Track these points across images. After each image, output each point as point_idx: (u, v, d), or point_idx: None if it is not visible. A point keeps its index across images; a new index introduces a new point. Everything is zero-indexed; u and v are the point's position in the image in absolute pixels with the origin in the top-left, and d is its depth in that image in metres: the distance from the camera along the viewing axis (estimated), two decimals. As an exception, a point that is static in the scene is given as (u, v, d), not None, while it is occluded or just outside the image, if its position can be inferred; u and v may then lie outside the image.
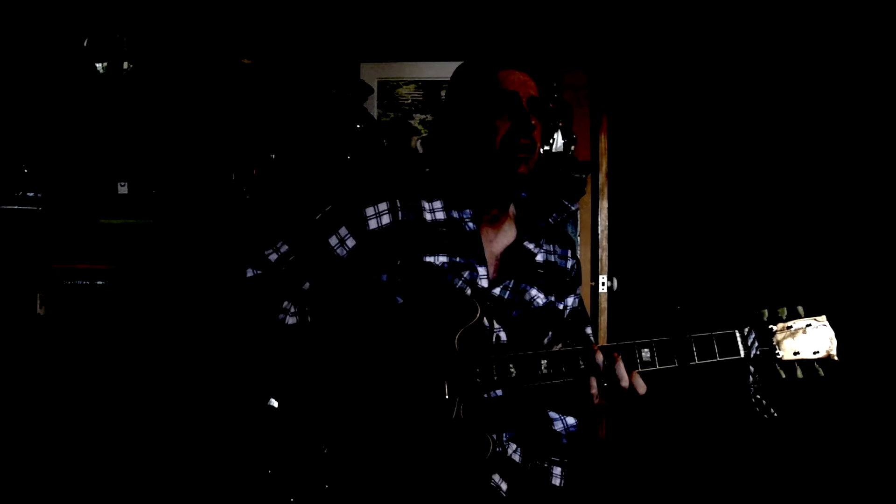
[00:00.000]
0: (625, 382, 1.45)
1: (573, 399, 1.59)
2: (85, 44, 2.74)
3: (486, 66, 1.62)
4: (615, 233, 3.09)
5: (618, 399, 1.47)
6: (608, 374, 1.47)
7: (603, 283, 3.01)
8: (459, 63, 1.70)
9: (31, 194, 2.63)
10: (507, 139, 1.58)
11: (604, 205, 3.06)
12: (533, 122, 1.58)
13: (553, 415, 1.71)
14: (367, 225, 1.60)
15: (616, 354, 1.48)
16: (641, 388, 1.47)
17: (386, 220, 1.61)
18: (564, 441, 1.70)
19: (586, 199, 3.01)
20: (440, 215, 1.63)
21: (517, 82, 1.60)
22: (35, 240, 2.64)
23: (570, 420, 1.71)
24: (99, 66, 2.73)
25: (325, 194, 2.67)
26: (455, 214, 1.63)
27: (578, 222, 2.91)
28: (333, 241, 1.61)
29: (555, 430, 1.70)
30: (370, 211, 1.61)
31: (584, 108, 3.06)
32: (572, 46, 3.07)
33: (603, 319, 2.98)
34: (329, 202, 1.67)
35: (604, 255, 3.04)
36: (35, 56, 2.80)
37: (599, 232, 3.04)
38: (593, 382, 1.47)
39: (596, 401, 1.47)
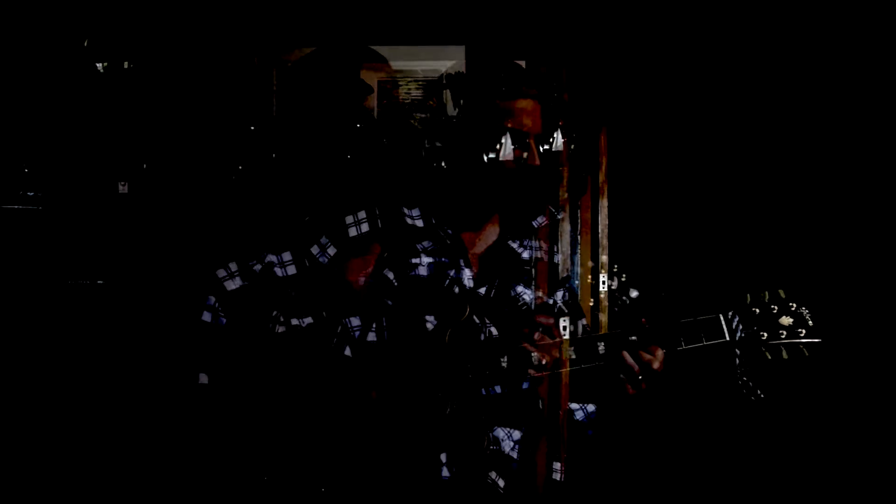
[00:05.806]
0: (656, 364, 1.47)
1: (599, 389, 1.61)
2: (85, 44, 2.77)
3: (490, 92, 1.56)
4: (615, 232, 3.07)
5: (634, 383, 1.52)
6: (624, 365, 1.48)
7: (603, 283, 2.99)
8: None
9: (32, 194, 2.65)
10: (514, 177, 1.57)
11: (604, 204, 3.04)
12: (537, 159, 1.57)
13: (573, 405, 1.71)
14: (348, 233, 1.62)
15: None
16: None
17: (365, 227, 1.63)
18: (590, 433, 1.71)
19: (586, 198, 2.99)
20: (419, 223, 1.64)
21: (526, 115, 1.56)
22: (35, 239, 2.65)
23: (591, 407, 1.71)
24: (99, 65, 2.75)
25: (318, 197, 2.68)
26: (434, 222, 1.64)
27: (579, 222, 2.89)
28: (315, 249, 1.63)
29: (576, 420, 1.70)
30: (349, 219, 1.64)
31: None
32: (573, 45, 3.06)
33: (603, 319, 2.96)
34: (308, 212, 1.69)
35: (604, 254, 3.02)
36: (35, 56, 2.82)
37: (599, 231, 3.02)
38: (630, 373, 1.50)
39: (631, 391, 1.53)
